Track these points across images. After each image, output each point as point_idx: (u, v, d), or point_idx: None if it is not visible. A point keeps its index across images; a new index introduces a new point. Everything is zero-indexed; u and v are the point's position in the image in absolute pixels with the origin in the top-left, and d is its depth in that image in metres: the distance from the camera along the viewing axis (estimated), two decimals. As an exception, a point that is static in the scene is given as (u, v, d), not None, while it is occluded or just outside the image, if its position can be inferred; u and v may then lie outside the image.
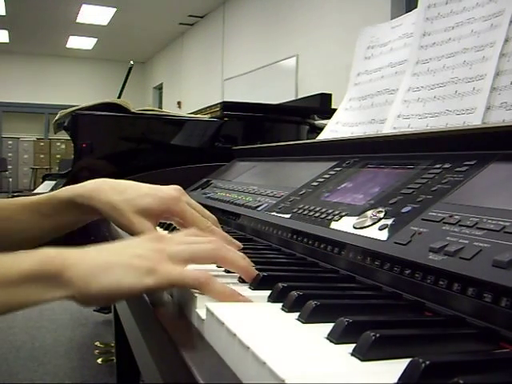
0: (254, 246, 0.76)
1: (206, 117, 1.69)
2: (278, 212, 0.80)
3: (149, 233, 0.60)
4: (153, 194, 0.67)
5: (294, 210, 0.76)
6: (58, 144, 11.82)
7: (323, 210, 0.70)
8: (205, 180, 1.34)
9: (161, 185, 0.69)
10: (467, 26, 0.87)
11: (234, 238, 0.65)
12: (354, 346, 0.34)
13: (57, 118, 1.63)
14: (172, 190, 0.67)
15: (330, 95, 2.53)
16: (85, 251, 0.50)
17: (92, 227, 0.81)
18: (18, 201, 0.69)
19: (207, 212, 0.69)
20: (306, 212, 0.73)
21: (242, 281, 0.53)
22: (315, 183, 0.83)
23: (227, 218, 0.95)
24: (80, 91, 11.70)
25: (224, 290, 0.48)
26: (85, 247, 0.51)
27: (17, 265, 0.46)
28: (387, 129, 0.95)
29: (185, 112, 1.92)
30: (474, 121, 0.77)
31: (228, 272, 0.58)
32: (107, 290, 0.47)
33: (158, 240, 0.54)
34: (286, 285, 0.47)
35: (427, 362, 0.29)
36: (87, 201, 0.68)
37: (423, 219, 0.53)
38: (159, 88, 12.36)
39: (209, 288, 0.48)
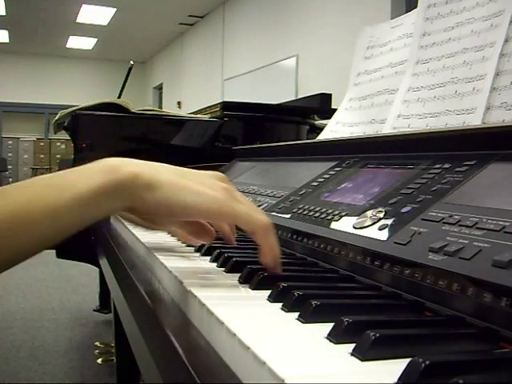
0: (253, 245, 0.76)
1: (206, 117, 1.69)
2: (278, 212, 0.80)
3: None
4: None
5: (294, 210, 0.76)
6: (58, 144, 11.83)
7: (323, 210, 0.70)
8: (205, 180, 1.33)
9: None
10: (467, 26, 0.87)
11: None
12: (353, 345, 0.34)
13: (57, 117, 1.63)
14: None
15: (329, 95, 2.53)
16: (152, 164, 0.51)
17: (92, 227, 0.81)
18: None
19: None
20: (306, 212, 0.73)
21: (241, 281, 0.53)
22: (315, 183, 0.83)
23: (227, 218, 0.95)
24: (80, 91, 11.71)
25: (274, 246, 0.51)
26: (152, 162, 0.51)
27: (86, 180, 0.46)
28: (387, 129, 0.95)
29: (185, 112, 1.92)
30: (474, 121, 0.78)
31: (228, 272, 0.58)
32: (169, 203, 0.48)
33: (225, 181, 0.55)
34: (286, 284, 0.47)
35: (427, 362, 0.29)
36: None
37: (423, 219, 0.53)
38: (159, 88, 12.36)
39: (268, 234, 0.51)
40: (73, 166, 1.43)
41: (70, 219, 0.46)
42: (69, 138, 1.55)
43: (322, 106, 2.41)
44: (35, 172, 11.12)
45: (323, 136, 1.18)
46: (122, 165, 0.48)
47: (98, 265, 1.46)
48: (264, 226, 0.51)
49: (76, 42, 11.25)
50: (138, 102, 9.16)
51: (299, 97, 4.90)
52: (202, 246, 0.69)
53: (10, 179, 10.96)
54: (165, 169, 0.51)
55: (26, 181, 0.48)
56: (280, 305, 0.44)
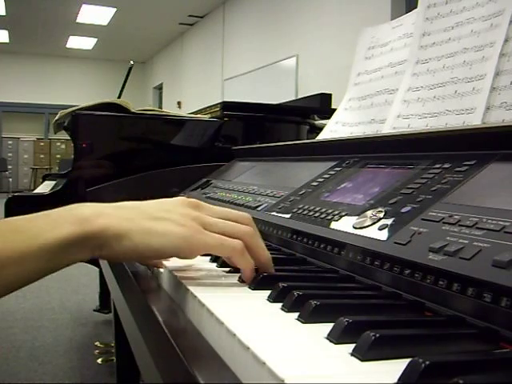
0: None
1: (206, 117, 1.69)
2: (277, 212, 0.80)
3: None
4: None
5: (294, 210, 0.76)
6: (58, 144, 11.84)
7: (323, 209, 0.70)
8: (205, 180, 1.34)
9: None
10: (467, 26, 0.87)
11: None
12: (353, 346, 0.34)
13: (57, 117, 1.63)
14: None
15: (329, 95, 2.53)
16: (119, 208, 0.51)
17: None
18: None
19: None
20: (305, 212, 0.73)
21: (242, 281, 0.53)
22: (315, 183, 0.83)
23: (227, 218, 0.95)
24: (80, 91, 11.71)
25: (251, 264, 0.51)
26: (118, 203, 0.51)
27: (55, 230, 0.46)
28: (387, 129, 0.95)
29: (185, 112, 1.92)
30: (474, 121, 0.77)
31: (229, 272, 0.58)
32: (136, 250, 0.48)
33: (194, 206, 0.54)
34: (285, 285, 0.47)
35: (427, 362, 0.29)
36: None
37: (423, 219, 0.53)
38: (159, 88, 12.36)
39: (242, 258, 0.51)
40: (73, 166, 1.41)
41: (36, 267, 0.46)
42: (69, 137, 1.54)
43: (322, 106, 2.41)
44: (35, 172, 11.12)
45: (323, 136, 1.18)
46: (91, 216, 0.48)
47: (97, 265, 1.46)
48: (235, 250, 0.51)
49: (76, 42, 11.25)
50: (138, 102, 9.16)
51: (299, 97, 4.90)
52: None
53: (10, 179, 10.95)
54: (133, 213, 0.51)
55: None
56: (280, 305, 0.44)
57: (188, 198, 0.60)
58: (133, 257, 0.50)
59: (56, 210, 0.49)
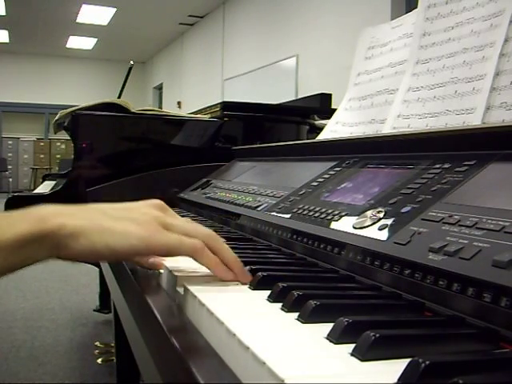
0: (253, 245, 0.76)
1: (206, 117, 1.69)
2: (277, 212, 0.80)
3: None
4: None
5: (294, 210, 0.76)
6: (58, 144, 11.83)
7: (323, 210, 0.70)
8: (205, 180, 1.34)
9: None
10: (467, 26, 0.87)
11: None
12: (353, 346, 0.34)
13: (57, 117, 1.63)
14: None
15: (329, 95, 2.53)
16: (80, 209, 0.51)
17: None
18: None
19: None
20: (305, 212, 0.73)
21: (241, 281, 0.53)
22: (315, 183, 0.83)
23: (227, 218, 0.95)
24: (80, 91, 11.71)
25: (216, 259, 0.51)
26: (83, 205, 0.51)
27: (13, 228, 0.46)
28: (387, 129, 0.95)
29: (185, 112, 1.92)
30: (474, 121, 0.77)
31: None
32: (94, 249, 0.48)
33: (158, 208, 0.54)
34: (285, 285, 0.47)
35: (427, 362, 0.29)
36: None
37: (423, 219, 0.53)
38: (159, 88, 12.36)
39: (203, 256, 0.50)
40: (73, 166, 1.41)
41: None
42: (69, 138, 1.54)
43: (322, 106, 2.41)
44: (35, 172, 11.12)
45: (323, 136, 1.18)
46: (49, 215, 0.48)
47: (98, 265, 1.46)
48: (195, 249, 0.51)
49: (76, 42, 11.25)
50: (138, 102, 9.16)
51: (299, 97, 4.91)
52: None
53: (10, 179, 10.95)
54: (93, 213, 0.51)
55: None
56: (280, 305, 0.44)
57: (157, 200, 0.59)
58: (91, 256, 0.49)
59: (18, 211, 0.49)
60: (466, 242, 0.45)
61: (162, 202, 0.56)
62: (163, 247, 0.50)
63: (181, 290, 0.51)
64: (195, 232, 0.53)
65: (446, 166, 0.63)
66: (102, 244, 0.48)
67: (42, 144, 11.89)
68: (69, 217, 0.49)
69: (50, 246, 0.47)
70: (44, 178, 2.15)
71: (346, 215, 0.65)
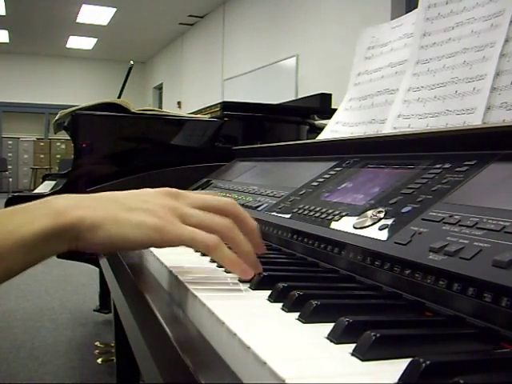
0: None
1: (206, 117, 1.69)
2: (278, 212, 0.80)
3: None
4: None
5: (294, 210, 0.76)
6: (58, 144, 11.83)
7: (323, 210, 0.70)
8: (205, 180, 1.34)
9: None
10: (467, 26, 0.87)
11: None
12: (354, 345, 0.34)
13: (57, 117, 1.63)
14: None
15: (330, 95, 2.53)
16: (96, 200, 0.51)
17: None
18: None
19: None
20: (306, 212, 0.73)
21: (242, 280, 0.53)
22: (315, 183, 0.83)
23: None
24: (80, 91, 11.71)
25: (231, 256, 0.50)
26: (95, 194, 0.51)
27: (32, 224, 0.47)
28: (387, 129, 0.95)
29: (185, 112, 1.92)
30: (474, 121, 0.77)
31: (229, 272, 0.58)
32: (112, 240, 0.48)
33: (173, 196, 0.54)
34: (286, 285, 0.47)
35: (427, 362, 0.29)
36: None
37: (423, 219, 0.53)
38: (159, 88, 12.36)
39: (216, 253, 0.50)
40: (73, 166, 1.41)
41: (14, 262, 0.46)
42: (69, 138, 1.54)
43: (322, 105, 2.41)
44: (35, 172, 11.12)
45: (323, 136, 1.18)
46: (66, 208, 0.48)
47: (98, 265, 1.46)
48: (208, 246, 0.50)
49: (76, 42, 11.25)
50: (137, 102, 9.16)
51: (299, 97, 4.90)
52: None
53: (10, 179, 10.95)
54: (109, 204, 0.51)
55: None
56: (280, 305, 0.44)
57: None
58: (107, 247, 0.50)
59: (33, 202, 0.49)
60: (466, 241, 0.45)
61: (177, 190, 0.56)
62: (177, 240, 0.50)
63: (181, 289, 0.51)
64: (211, 222, 0.52)
65: (447, 165, 0.63)
66: (118, 235, 0.49)
67: (42, 144, 11.88)
68: (87, 209, 0.49)
69: (69, 239, 0.48)
70: (44, 178, 2.15)
71: (346, 215, 0.65)
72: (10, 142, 11.89)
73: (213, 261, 0.64)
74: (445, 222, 0.50)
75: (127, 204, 0.51)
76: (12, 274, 0.47)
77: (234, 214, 0.55)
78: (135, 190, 0.55)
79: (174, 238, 0.50)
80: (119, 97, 2.07)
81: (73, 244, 0.48)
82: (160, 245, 0.51)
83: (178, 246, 0.52)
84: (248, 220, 0.56)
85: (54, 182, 1.86)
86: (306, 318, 0.40)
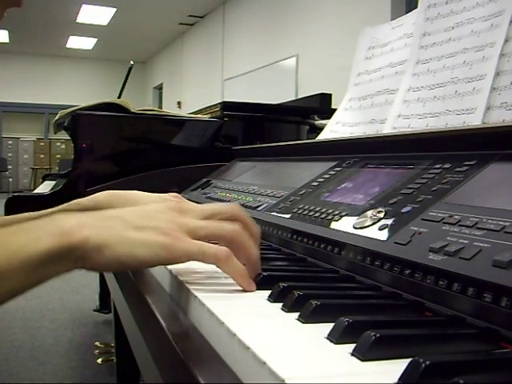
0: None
1: (206, 117, 1.69)
2: (278, 212, 0.80)
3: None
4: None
5: (294, 210, 0.76)
6: (58, 144, 11.83)
7: (323, 209, 0.70)
8: (205, 180, 1.34)
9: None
10: (467, 26, 0.87)
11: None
12: (354, 345, 0.34)
13: (57, 117, 1.63)
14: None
15: (330, 95, 2.53)
16: (101, 219, 0.50)
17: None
18: None
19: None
20: (305, 212, 0.73)
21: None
22: (315, 183, 0.83)
23: (227, 218, 0.95)
24: (80, 91, 11.71)
25: (241, 269, 0.50)
26: (101, 212, 0.51)
27: (36, 244, 0.46)
28: (387, 129, 0.95)
29: (185, 112, 1.92)
30: (474, 121, 0.77)
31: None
32: (119, 261, 0.48)
33: (179, 211, 0.54)
34: (286, 285, 0.47)
35: (427, 362, 0.29)
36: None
37: (423, 219, 0.53)
38: (159, 88, 12.36)
39: (227, 265, 0.49)
40: (73, 166, 1.41)
41: (18, 283, 0.46)
42: (69, 138, 1.54)
43: (322, 106, 2.41)
44: (35, 172, 11.12)
45: (323, 136, 1.18)
46: (73, 228, 0.47)
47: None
48: (217, 259, 0.50)
49: (76, 42, 11.25)
50: (137, 102, 9.15)
51: (299, 97, 4.91)
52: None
53: (10, 179, 10.95)
54: (115, 223, 0.50)
55: None
56: (280, 305, 0.44)
57: (173, 196, 0.59)
58: (116, 267, 0.49)
59: (39, 220, 0.49)
60: (466, 242, 0.45)
61: (181, 203, 0.56)
62: (185, 256, 0.50)
63: (181, 289, 0.51)
64: (221, 231, 0.52)
65: (447, 166, 0.63)
66: (126, 255, 0.48)
67: (42, 144, 11.88)
68: (93, 228, 0.48)
69: (75, 259, 0.47)
70: (44, 178, 2.15)
71: (346, 215, 0.65)
72: (10, 142, 11.89)
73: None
74: (445, 222, 0.50)
75: (134, 222, 0.51)
76: (15, 294, 0.46)
77: (240, 220, 0.55)
78: (142, 206, 0.55)
79: (183, 254, 0.49)
80: (119, 97, 2.07)
81: (79, 264, 0.47)
82: (169, 262, 0.51)
83: (187, 261, 0.51)
84: (253, 226, 0.56)
85: (53, 182, 1.86)
86: (305, 318, 0.40)
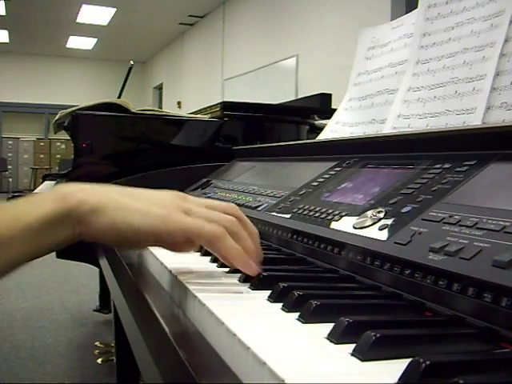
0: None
1: (206, 117, 1.69)
2: (278, 212, 0.80)
3: None
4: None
5: (294, 210, 0.76)
6: (58, 144, 11.83)
7: (323, 210, 0.70)
8: (205, 180, 1.34)
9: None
10: (467, 26, 0.87)
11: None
12: (354, 346, 0.34)
13: (57, 117, 1.63)
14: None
15: (330, 95, 2.53)
16: (102, 188, 0.51)
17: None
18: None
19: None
20: (306, 212, 0.73)
21: (242, 281, 0.53)
22: (315, 183, 0.83)
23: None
24: (80, 91, 11.71)
25: (236, 246, 0.50)
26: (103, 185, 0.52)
27: (38, 209, 0.47)
28: (387, 129, 0.95)
29: (185, 112, 1.92)
30: (474, 121, 0.77)
31: (229, 273, 0.58)
32: (114, 226, 0.48)
33: (180, 197, 0.55)
34: (286, 285, 0.47)
35: (427, 362, 0.29)
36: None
37: (423, 219, 0.53)
38: (159, 88, 12.36)
39: (222, 242, 0.50)
40: (73, 166, 1.41)
41: (21, 249, 0.46)
42: (69, 138, 1.54)
43: (322, 105, 2.41)
44: (35, 172, 11.12)
45: (323, 136, 1.18)
46: (71, 192, 0.48)
47: (97, 265, 1.46)
48: (214, 235, 0.50)
49: (76, 42, 11.25)
50: (137, 102, 9.15)
51: (299, 97, 4.91)
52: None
53: (10, 179, 10.95)
54: (115, 192, 0.51)
55: None
56: (280, 305, 0.44)
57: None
58: (111, 234, 0.49)
59: (44, 192, 0.50)
60: (466, 242, 0.45)
61: (184, 193, 0.57)
62: (182, 230, 0.50)
63: (181, 289, 0.51)
64: (217, 218, 0.53)
65: (447, 166, 0.63)
66: (122, 221, 0.49)
67: (42, 144, 11.88)
68: (90, 193, 0.49)
69: (73, 223, 0.48)
70: (44, 178, 2.15)
71: (346, 215, 0.65)
72: (10, 142, 11.89)
73: (213, 261, 0.64)
74: (445, 222, 0.50)
75: (134, 195, 0.52)
76: (19, 262, 0.47)
77: (236, 216, 0.55)
78: (142, 189, 0.55)
79: (179, 227, 0.50)
80: (119, 97, 2.07)
81: (77, 229, 0.48)
82: (165, 235, 0.50)
83: (182, 237, 0.51)
84: (249, 224, 0.56)
85: (53, 182, 1.86)
86: (305, 318, 0.40)
